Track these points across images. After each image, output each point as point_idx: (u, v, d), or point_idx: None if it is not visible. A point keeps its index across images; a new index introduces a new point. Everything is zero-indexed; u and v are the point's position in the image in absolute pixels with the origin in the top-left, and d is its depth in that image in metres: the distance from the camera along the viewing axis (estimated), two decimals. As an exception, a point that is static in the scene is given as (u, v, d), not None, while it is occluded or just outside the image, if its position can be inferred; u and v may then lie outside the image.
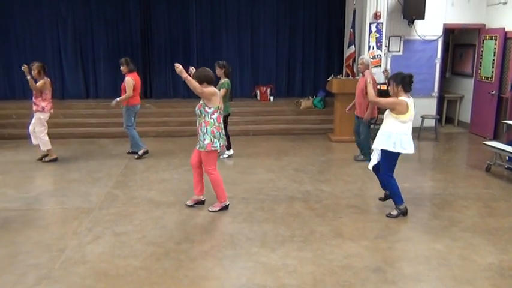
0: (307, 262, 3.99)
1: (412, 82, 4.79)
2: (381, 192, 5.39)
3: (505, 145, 6.58)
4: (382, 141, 4.82)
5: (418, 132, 8.93)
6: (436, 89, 9.43)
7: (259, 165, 7.04)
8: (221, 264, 3.97)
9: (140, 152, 7.35)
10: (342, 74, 9.52)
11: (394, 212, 4.99)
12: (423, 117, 8.88)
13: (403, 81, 4.72)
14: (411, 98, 4.80)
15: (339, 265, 3.93)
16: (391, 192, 5.05)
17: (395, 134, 4.74)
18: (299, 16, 10.75)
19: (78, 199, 5.54)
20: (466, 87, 9.83)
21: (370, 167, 5.12)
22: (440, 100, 9.77)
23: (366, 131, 7.07)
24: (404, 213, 4.99)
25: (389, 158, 4.85)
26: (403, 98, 4.73)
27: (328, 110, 9.74)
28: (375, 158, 5.01)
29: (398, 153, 4.81)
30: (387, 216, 4.99)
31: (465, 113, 9.88)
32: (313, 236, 4.51)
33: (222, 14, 10.64)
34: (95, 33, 10.43)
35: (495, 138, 8.51)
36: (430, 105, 9.37)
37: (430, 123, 9.00)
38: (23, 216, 5.02)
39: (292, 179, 6.34)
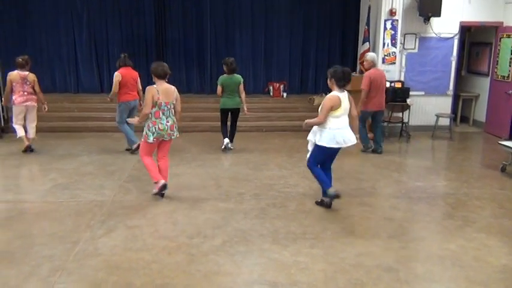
0: (318, 259, 3.98)
1: (345, 78, 4.79)
2: (396, 191, 5.34)
3: (522, 145, 6.49)
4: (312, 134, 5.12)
5: (432, 131, 8.86)
6: (451, 87, 9.31)
7: (272, 162, 7.03)
8: (233, 259, 3.98)
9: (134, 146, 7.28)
10: (356, 70, 9.46)
11: (326, 199, 5.08)
12: (438, 116, 8.78)
13: (334, 76, 4.82)
14: (345, 92, 4.91)
15: (351, 263, 3.91)
16: (318, 180, 5.10)
17: (328, 128, 4.88)
18: (313, 12, 10.69)
19: (91, 192, 5.60)
20: (482, 86, 9.70)
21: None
22: (455, 99, 9.64)
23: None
24: (332, 196, 4.99)
25: (316, 150, 5.06)
26: (335, 92, 4.84)
27: (341, 107, 9.69)
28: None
29: (325, 147, 4.93)
30: (316, 203, 5.14)
31: (480, 112, 9.75)
32: (325, 234, 4.50)
33: (235, 9, 10.63)
34: (110, 28, 10.51)
35: (511, 138, 8.40)
36: (444, 104, 9.26)
37: (445, 122, 8.90)
38: (37, 209, 5.09)
39: (304, 176, 6.32)
